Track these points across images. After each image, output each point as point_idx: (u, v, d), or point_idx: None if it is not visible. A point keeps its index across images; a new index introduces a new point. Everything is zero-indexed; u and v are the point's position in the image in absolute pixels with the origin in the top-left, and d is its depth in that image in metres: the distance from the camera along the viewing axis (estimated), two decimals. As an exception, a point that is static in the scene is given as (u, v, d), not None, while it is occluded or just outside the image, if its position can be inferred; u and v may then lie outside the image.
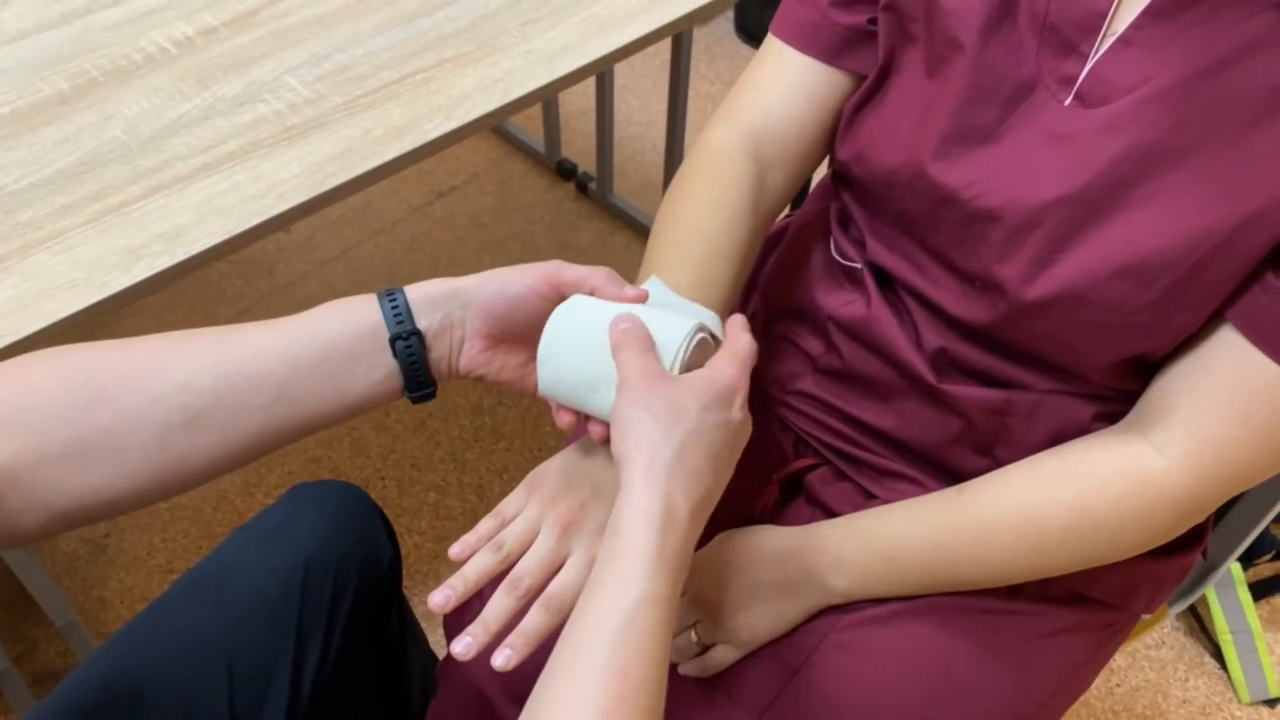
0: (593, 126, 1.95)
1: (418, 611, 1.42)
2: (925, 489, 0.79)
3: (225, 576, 0.74)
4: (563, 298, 0.62)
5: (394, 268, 1.90)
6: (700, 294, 0.70)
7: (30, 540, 0.53)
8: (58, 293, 0.80)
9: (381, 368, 0.59)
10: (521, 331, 0.63)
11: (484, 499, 1.59)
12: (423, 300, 0.60)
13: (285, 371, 0.56)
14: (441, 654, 0.97)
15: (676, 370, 0.59)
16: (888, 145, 0.74)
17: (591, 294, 0.62)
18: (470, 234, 1.97)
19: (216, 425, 0.55)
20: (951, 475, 0.78)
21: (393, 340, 0.59)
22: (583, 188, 2.05)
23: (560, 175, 2.08)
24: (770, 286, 0.89)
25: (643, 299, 0.63)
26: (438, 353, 0.61)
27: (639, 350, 0.57)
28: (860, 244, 0.80)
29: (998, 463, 0.76)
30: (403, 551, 1.52)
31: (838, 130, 0.80)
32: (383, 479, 1.61)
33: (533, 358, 0.63)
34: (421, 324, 0.60)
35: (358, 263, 1.91)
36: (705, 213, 0.75)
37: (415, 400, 0.62)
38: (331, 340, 0.58)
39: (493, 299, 0.61)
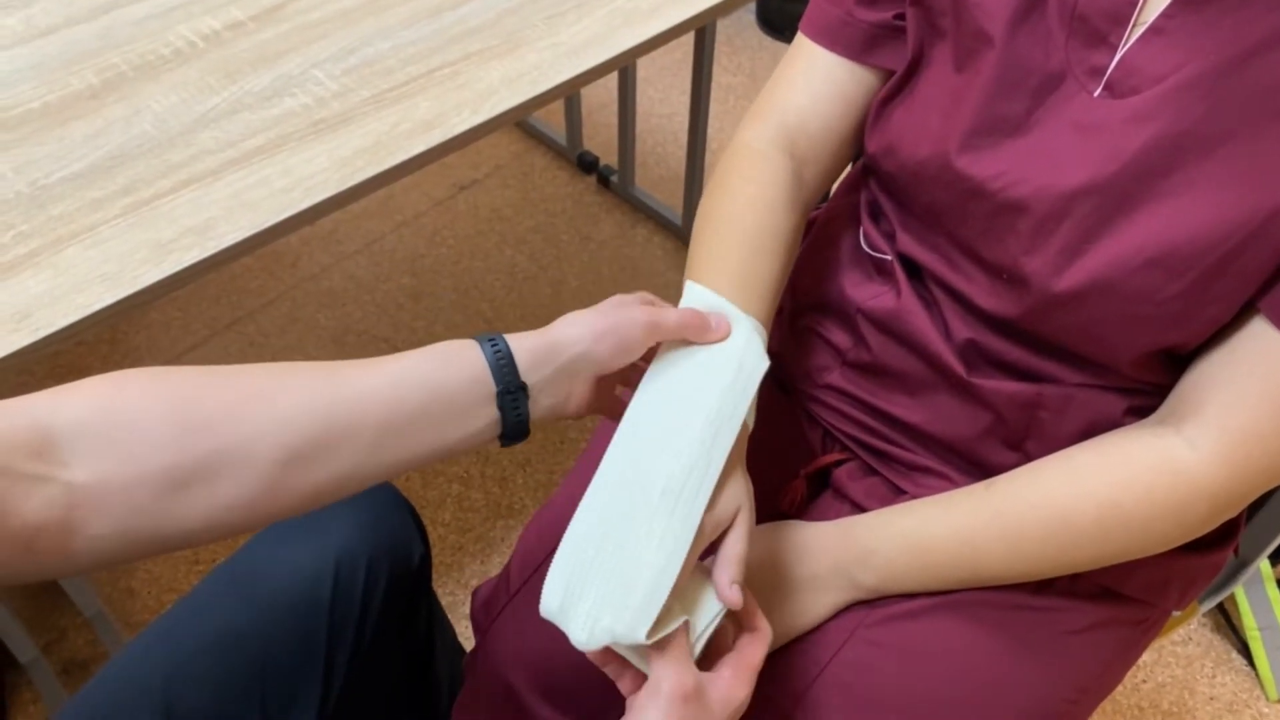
0: (614, 119, 1.94)
1: (444, 603, 1.43)
2: (954, 484, 0.78)
3: (256, 573, 0.75)
4: (656, 339, 0.65)
5: (416, 260, 1.91)
6: (744, 293, 0.70)
7: (100, 567, 0.52)
8: (90, 286, 0.81)
9: (482, 419, 0.60)
10: (622, 371, 0.65)
11: (506, 491, 1.59)
12: (528, 356, 0.61)
13: (388, 416, 0.56)
14: (469, 646, 0.97)
15: (700, 646, 0.60)
16: (916, 138, 0.74)
17: (690, 338, 0.66)
18: (492, 227, 1.98)
19: (314, 465, 0.55)
20: (981, 470, 0.78)
21: (500, 394, 0.59)
22: (604, 181, 2.05)
23: (582, 168, 2.08)
24: (798, 279, 0.89)
25: (728, 330, 0.67)
26: (544, 405, 0.62)
27: (678, 658, 0.57)
28: (890, 236, 0.80)
29: (1028, 457, 0.75)
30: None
31: (866, 125, 0.79)
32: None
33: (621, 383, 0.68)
34: (529, 379, 0.60)
35: (380, 255, 1.91)
36: (744, 210, 0.75)
37: (505, 445, 0.63)
38: (437, 388, 0.58)
39: (610, 354, 0.63)
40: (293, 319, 1.80)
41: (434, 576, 1.50)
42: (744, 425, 0.64)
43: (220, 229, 0.85)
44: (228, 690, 0.70)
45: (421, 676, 0.94)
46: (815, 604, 0.76)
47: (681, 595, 0.60)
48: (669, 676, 0.56)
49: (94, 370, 1.71)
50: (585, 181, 2.08)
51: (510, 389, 0.59)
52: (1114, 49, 0.65)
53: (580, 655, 0.82)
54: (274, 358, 1.74)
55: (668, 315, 0.64)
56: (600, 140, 2.12)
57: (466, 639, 1.16)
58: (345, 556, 0.76)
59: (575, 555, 0.59)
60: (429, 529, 1.54)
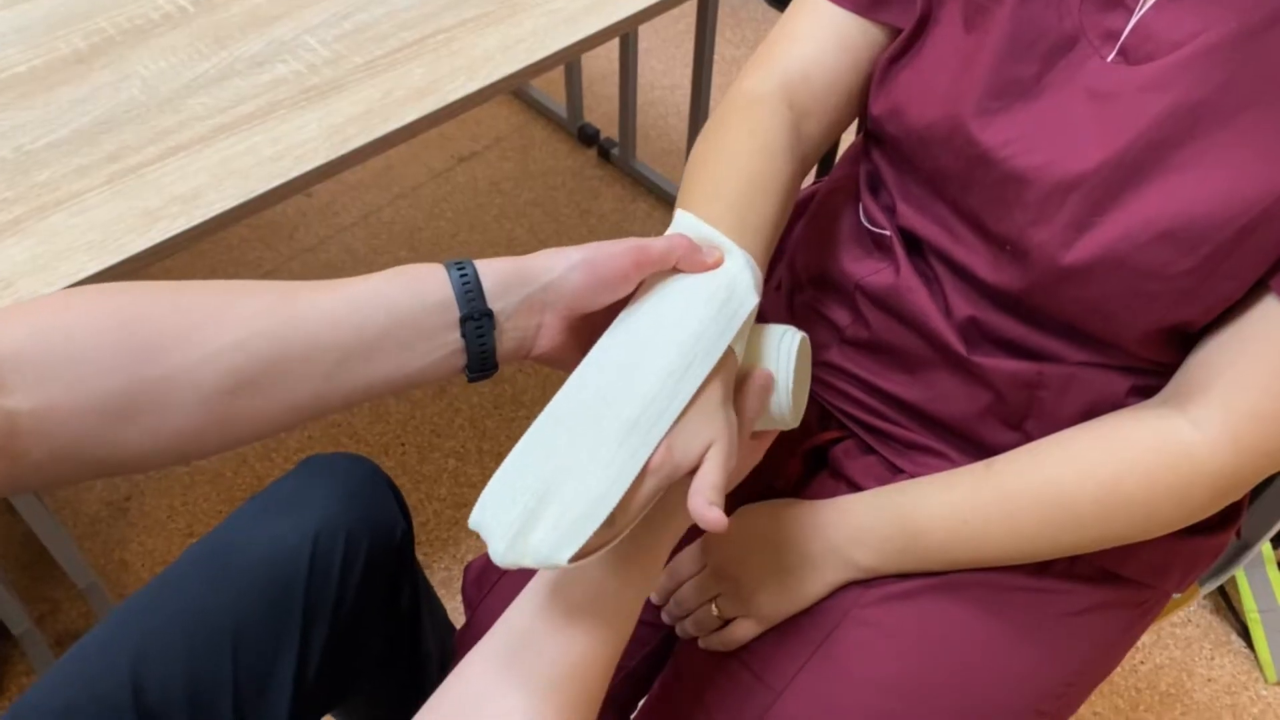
0: (615, 91, 1.92)
1: (436, 579, 1.43)
2: (953, 463, 0.77)
3: (231, 550, 0.73)
4: (643, 272, 0.61)
5: (415, 233, 1.89)
6: (741, 230, 0.67)
7: (57, 485, 0.51)
8: (74, 254, 0.79)
9: (446, 346, 0.57)
10: (599, 316, 0.61)
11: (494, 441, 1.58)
12: (496, 280, 0.57)
13: (345, 340, 0.53)
14: (460, 623, 0.97)
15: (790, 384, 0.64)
16: (924, 100, 0.72)
17: (675, 269, 0.62)
18: (491, 200, 1.96)
19: (267, 391, 0.52)
20: (980, 449, 0.77)
21: (463, 320, 0.56)
22: (605, 154, 2.03)
23: (582, 141, 2.06)
24: (797, 255, 0.87)
25: (719, 263, 0.63)
26: (511, 337, 0.59)
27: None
28: (890, 210, 0.78)
29: (1028, 437, 0.74)
30: (422, 519, 1.53)
31: (871, 85, 0.77)
32: (402, 445, 1.60)
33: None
34: (495, 306, 0.57)
35: (378, 227, 1.89)
36: (744, 149, 0.72)
37: (473, 379, 0.60)
38: (399, 312, 0.55)
39: (585, 284, 0.59)
40: (289, 291, 1.78)
41: (430, 552, 1.50)
42: (730, 357, 0.61)
43: (208, 197, 0.84)
44: (198, 666, 0.69)
45: (409, 652, 0.93)
46: (810, 583, 0.75)
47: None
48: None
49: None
50: (586, 154, 2.06)
51: (474, 315, 0.56)
52: (1130, 12, 0.63)
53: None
54: (270, 330, 1.72)
55: (654, 241, 0.61)
56: (601, 112, 2.09)
57: (458, 615, 1.15)
58: (323, 532, 0.75)
59: (515, 470, 0.56)
60: (425, 504, 1.53)
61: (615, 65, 1.89)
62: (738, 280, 0.62)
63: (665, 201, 1.96)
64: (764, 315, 0.88)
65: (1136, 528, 0.68)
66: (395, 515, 0.83)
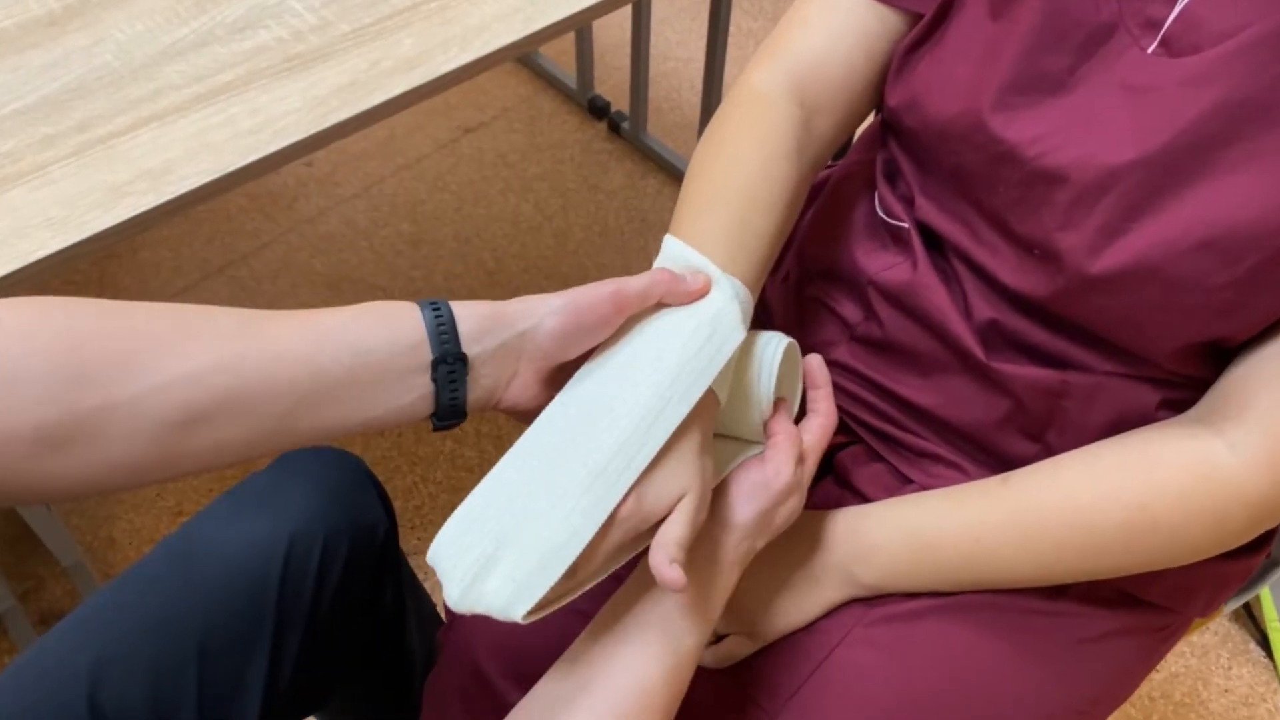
0: (627, 62, 1.86)
1: (425, 569, 1.38)
2: (967, 475, 0.72)
3: (200, 549, 0.69)
4: (623, 314, 0.58)
5: (417, 206, 1.84)
6: (732, 249, 0.62)
7: None
8: (34, 232, 0.74)
9: (413, 390, 0.53)
10: (573, 366, 0.58)
11: (500, 449, 1.53)
12: (473, 324, 0.54)
13: (308, 381, 0.50)
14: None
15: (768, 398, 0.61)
16: (943, 92, 0.66)
17: (660, 304, 0.58)
18: (497, 173, 1.90)
19: (220, 427, 0.48)
20: (996, 461, 0.72)
21: (435, 363, 0.52)
22: (615, 127, 1.97)
23: (592, 113, 2.00)
24: (806, 244, 0.82)
25: (707, 287, 0.59)
26: (482, 385, 0.55)
27: (789, 454, 0.60)
28: (908, 201, 0.73)
29: (1049, 450, 0.69)
30: (416, 501, 1.49)
31: (888, 75, 0.72)
32: (398, 428, 1.56)
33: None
34: (470, 350, 0.54)
35: (380, 200, 1.84)
36: (743, 158, 0.67)
37: (438, 428, 0.55)
38: (366, 351, 0.51)
39: (563, 330, 0.55)
40: (287, 264, 1.74)
41: (422, 536, 1.46)
42: (711, 399, 0.57)
43: (179, 172, 0.79)
44: (160, 677, 0.65)
45: (392, 652, 0.89)
46: (809, 600, 0.70)
47: None
48: (774, 466, 0.59)
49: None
50: (595, 127, 2.00)
51: (448, 359, 0.52)
52: (1174, 0, 0.57)
53: (555, 641, 0.76)
54: (266, 304, 1.68)
55: (632, 281, 0.57)
56: (612, 84, 2.03)
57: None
58: (299, 534, 0.70)
59: (475, 511, 0.53)
60: (419, 486, 1.49)
61: (628, 35, 1.83)
62: (723, 314, 0.58)
63: (676, 177, 1.91)
64: (769, 306, 0.83)
65: (1164, 554, 0.63)
66: (378, 514, 0.79)
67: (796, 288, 0.82)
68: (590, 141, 1.98)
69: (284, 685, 0.72)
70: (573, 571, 0.51)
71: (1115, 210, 0.59)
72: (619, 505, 0.52)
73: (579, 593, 0.53)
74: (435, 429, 0.55)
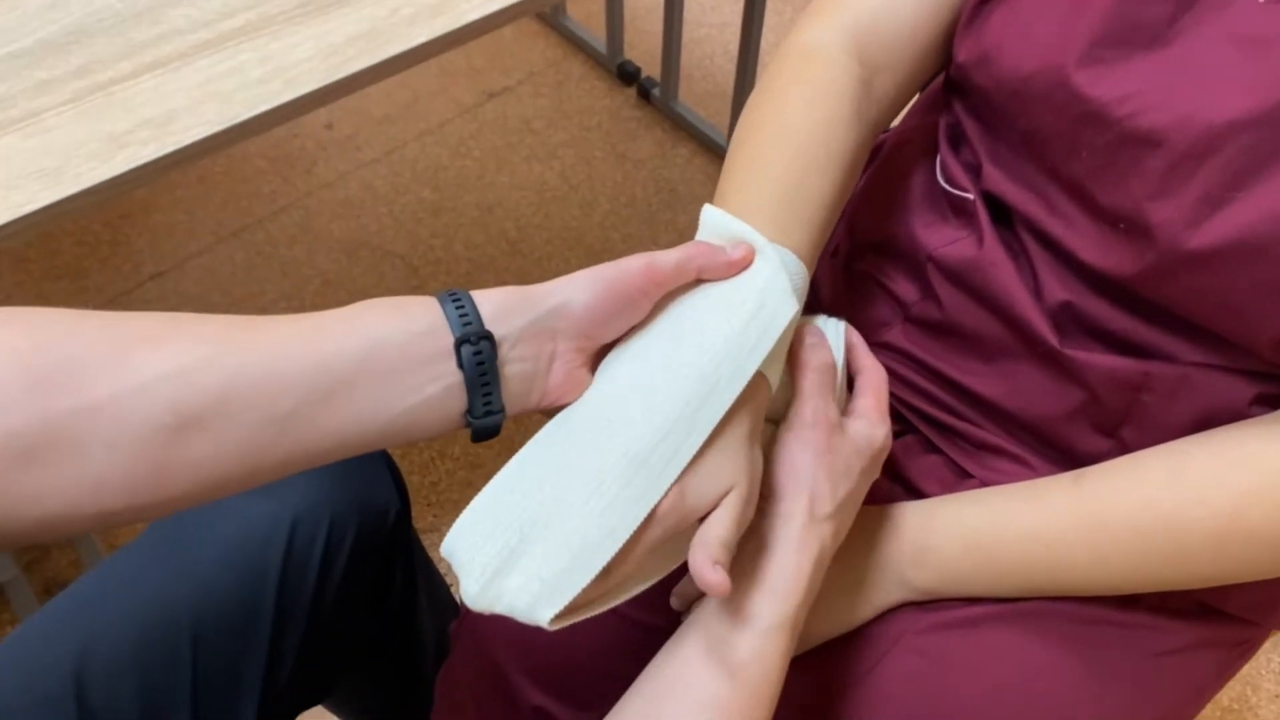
0: (659, 27, 1.79)
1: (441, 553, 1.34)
2: (1032, 471, 0.66)
3: (195, 533, 0.64)
4: (659, 289, 0.52)
5: (439, 172, 1.78)
6: (785, 216, 0.56)
7: None
8: (25, 183, 0.69)
9: (437, 380, 0.46)
10: (613, 342, 0.52)
11: (522, 423, 1.48)
12: (495, 306, 0.48)
13: (312, 374, 0.44)
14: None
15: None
16: (1021, 46, 0.60)
17: (698, 277, 0.53)
18: (521, 139, 1.84)
19: (214, 433, 0.42)
20: (1064, 457, 0.65)
21: (458, 344, 0.46)
22: (645, 94, 1.90)
23: (621, 79, 1.93)
24: (857, 216, 0.75)
25: (751, 256, 0.54)
26: (517, 370, 0.48)
27: (821, 388, 0.55)
28: (974, 170, 0.66)
29: (1123, 447, 0.63)
30: (433, 478, 1.44)
31: (958, 27, 0.65)
32: (429, 439, 1.51)
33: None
34: (497, 330, 0.47)
35: (401, 165, 1.79)
36: (797, 120, 0.61)
37: (478, 430, 0.48)
38: (377, 340, 0.45)
39: (598, 304, 0.49)
40: (304, 228, 1.69)
41: (439, 514, 1.41)
42: (761, 383, 0.52)
43: (182, 122, 0.73)
44: (151, 668, 0.60)
45: (402, 638, 0.84)
46: (856, 605, 0.64)
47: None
48: (811, 405, 0.54)
49: (94, 275, 1.62)
50: (624, 94, 1.93)
51: (471, 339, 0.46)
52: None
53: (575, 635, 0.71)
54: (282, 269, 1.63)
55: (664, 255, 0.51)
56: (643, 49, 1.96)
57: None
58: (304, 516, 0.65)
59: (499, 497, 0.47)
60: (436, 462, 1.44)
61: (660, -2, 1.76)
62: (770, 287, 0.52)
63: (707, 147, 1.84)
64: (816, 283, 0.77)
65: (1257, 566, 0.57)
66: (390, 494, 0.74)
67: (846, 263, 0.76)
68: (619, 108, 1.91)
69: (285, 677, 0.67)
70: (606, 573, 0.46)
71: (1218, 177, 0.53)
72: (661, 500, 0.46)
73: (611, 603, 0.48)
74: (474, 436, 0.48)
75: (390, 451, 0.78)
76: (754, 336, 0.51)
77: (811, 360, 0.56)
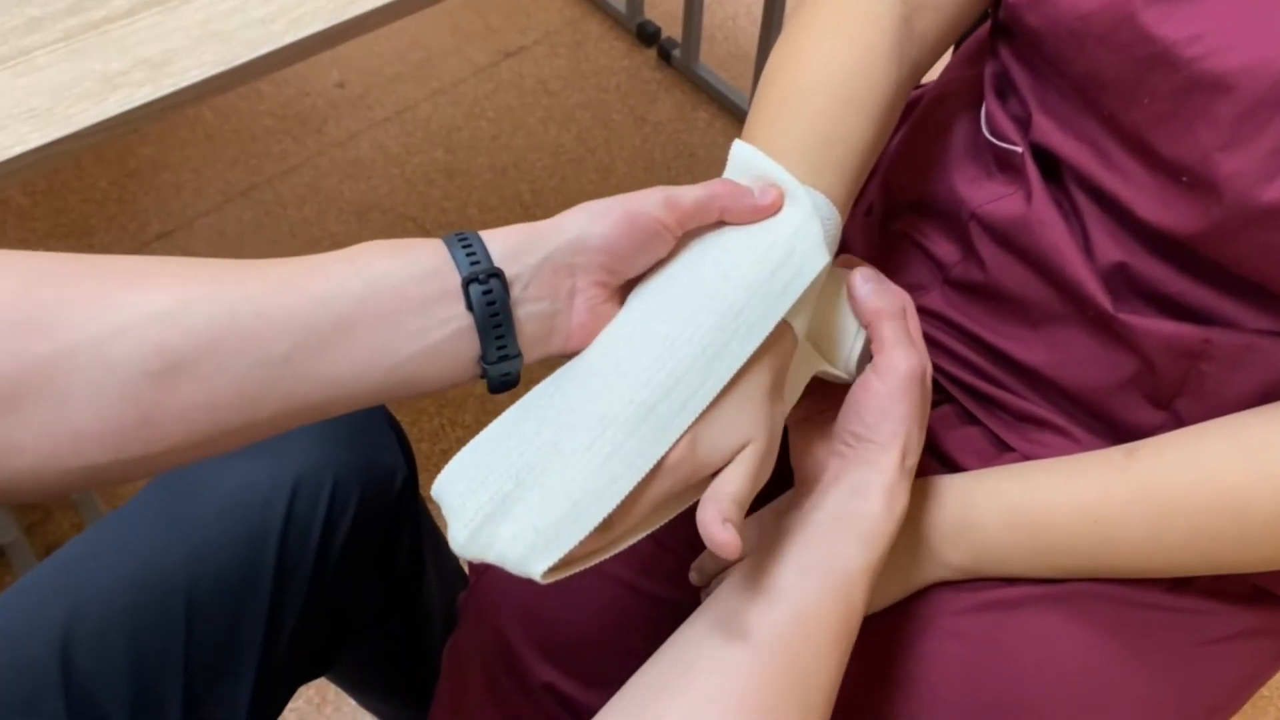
0: (681, -15, 1.74)
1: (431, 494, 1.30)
2: (1076, 445, 0.62)
3: (192, 494, 0.61)
4: (680, 225, 0.48)
5: (452, 133, 1.73)
6: (818, 156, 0.52)
7: None
8: (13, 124, 0.65)
9: (445, 324, 0.43)
10: (636, 279, 0.48)
11: (530, 386, 1.45)
12: (503, 244, 0.44)
13: (310, 312, 0.40)
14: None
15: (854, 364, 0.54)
16: None
17: (722, 218, 0.49)
18: (537, 100, 1.79)
19: (204, 378, 0.39)
20: (1112, 430, 0.61)
21: (466, 283, 0.42)
22: (665, 55, 1.85)
23: (641, 39, 1.88)
24: (893, 172, 0.71)
25: (780, 201, 0.50)
26: (534, 312, 0.45)
27: (902, 335, 0.52)
28: (1023, 122, 0.62)
29: (1177, 420, 0.59)
30: (444, 445, 1.40)
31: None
32: (441, 389, 1.47)
33: None
34: (508, 268, 0.44)
35: (413, 125, 1.74)
36: (832, 55, 0.57)
37: (494, 378, 0.45)
38: (378, 278, 0.42)
39: (618, 235, 0.45)
40: (314, 189, 1.65)
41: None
42: (787, 334, 0.48)
43: (181, 63, 0.69)
44: (144, 635, 0.57)
45: (408, 608, 0.81)
46: (888, 582, 0.61)
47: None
48: (905, 358, 0.51)
49: (100, 234, 1.58)
50: (644, 54, 1.88)
51: (480, 277, 0.42)
52: None
53: (589, 609, 0.67)
54: (290, 230, 1.59)
55: (685, 191, 0.48)
56: (663, 9, 1.91)
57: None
58: (306, 478, 0.62)
59: (495, 441, 0.44)
60: (446, 430, 1.41)
61: (682, -44, 1.71)
62: (802, 233, 0.48)
63: (729, 111, 1.79)
64: (849, 243, 0.72)
65: (1327, 549, 0.53)
66: (396, 459, 0.70)
67: (881, 222, 0.71)
68: (638, 70, 1.86)
69: (284, 647, 0.64)
70: (608, 525, 0.43)
71: None
72: (670, 450, 0.43)
73: (611, 552, 0.45)
74: (491, 386, 0.45)
75: (399, 418, 0.74)
76: (780, 285, 0.47)
77: (885, 306, 0.53)
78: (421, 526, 0.78)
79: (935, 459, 0.66)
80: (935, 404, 0.67)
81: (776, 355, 0.48)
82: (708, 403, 0.44)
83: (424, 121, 1.75)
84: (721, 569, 0.63)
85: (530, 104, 1.79)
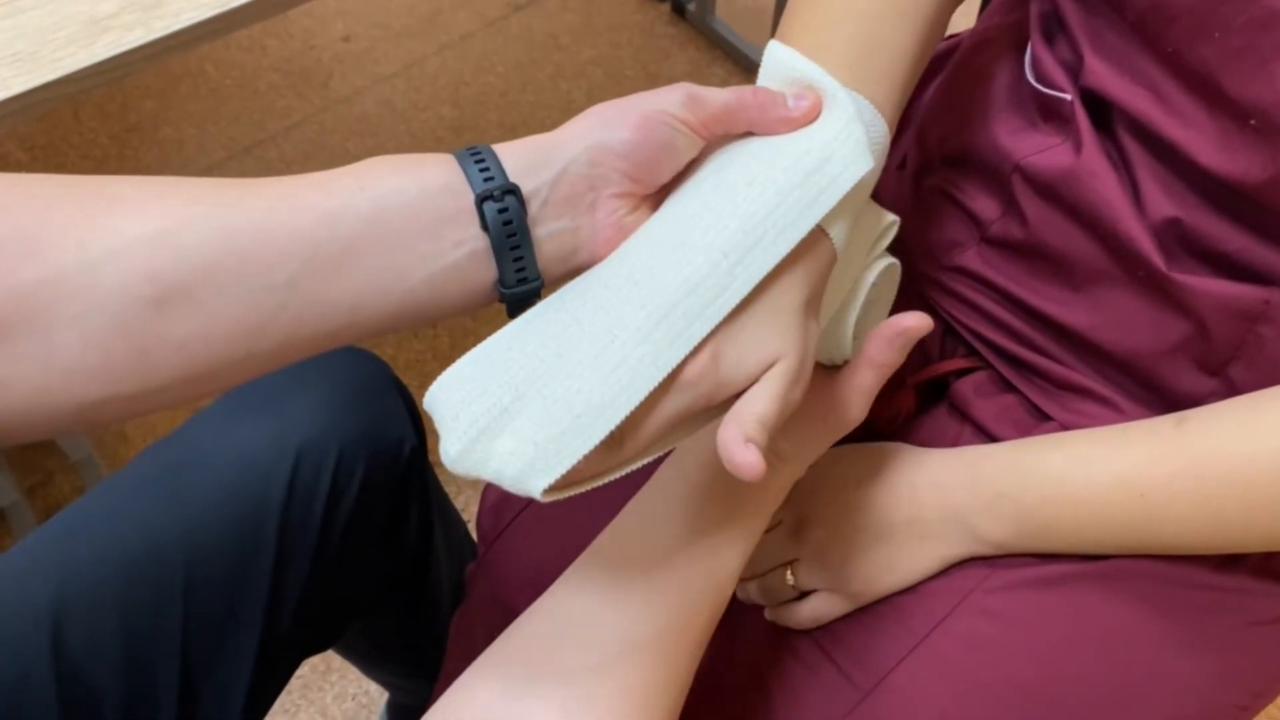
0: (697, -65, 1.69)
1: (458, 486, 1.28)
2: (1120, 415, 0.59)
3: (190, 463, 0.58)
4: (706, 129, 0.44)
5: (460, 88, 1.69)
6: (863, 63, 0.48)
7: None
8: (-5, 68, 0.62)
9: (461, 246, 0.40)
10: (667, 186, 0.45)
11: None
12: (517, 157, 0.41)
13: (314, 231, 0.37)
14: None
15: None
16: None
17: (749, 129, 0.45)
18: (547, 55, 1.75)
19: (202, 304, 0.36)
20: (1159, 398, 0.58)
21: (480, 201, 0.39)
22: (679, 9, 1.81)
23: (655, -7, 1.84)
24: (928, 124, 0.67)
25: (816, 110, 0.46)
26: (554, 230, 0.42)
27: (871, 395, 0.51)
28: (1073, 67, 0.57)
29: (1230, 388, 0.55)
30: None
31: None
32: (434, 327, 1.44)
33: None
34: (523, 183, 0.41)
35: (420, 80, 1.70)
36: None
37: (513, 302, 0.42)
38: (386, 195, 0.38)
39: (640, 140, 0.41)
40: (319, 145, 1.61)
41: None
42: (822, 243, 0.44)
43: (172, 6, 0.66)
44: (138, 611, 0.55)
45: (416, 582, 0.78)
46: (917, 556, 0.58)
47: None
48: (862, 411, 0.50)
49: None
50: (658, 9, 1.84)
51: (494, 194, 0.39)
52: None
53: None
54: (295, 188, 1.56)
55: (714, 90, 0.44)
56: (678, -38, 1.86)
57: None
58: (310, 447, 0.59)
59: (496, 350, 0.41)
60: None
61: (698, -95, 1.65)
62: (841, 139, 0.44)
63: (745, 68, 1.74)
64: (880, 199, 0.68)
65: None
66: (404, 427, 0.67)
67: (915, 178, 0.67)
68: (652, 25, 1.81)
69: (286, 621, 0.62)
70: (617, 442, 0.39)
71: None
72: (685, 362, 0.39)
73: (620, 472, 0.41)
74: (510, 311, 0.42)
75: (407, 383, 0.71)
76: (814, 190, 0.43)
77: (890, 364, 0.51)
78: (430, 497, 0.75)
79: (969, 427, 0.62)
80: (967, 371, 0.64)
81: (812, 268, 0.44)
82: (728, 310, 0.40)
83: (431, 77, 1.71)
84: (762, 569, 0.61)
85: (540, 59, 1.75)
